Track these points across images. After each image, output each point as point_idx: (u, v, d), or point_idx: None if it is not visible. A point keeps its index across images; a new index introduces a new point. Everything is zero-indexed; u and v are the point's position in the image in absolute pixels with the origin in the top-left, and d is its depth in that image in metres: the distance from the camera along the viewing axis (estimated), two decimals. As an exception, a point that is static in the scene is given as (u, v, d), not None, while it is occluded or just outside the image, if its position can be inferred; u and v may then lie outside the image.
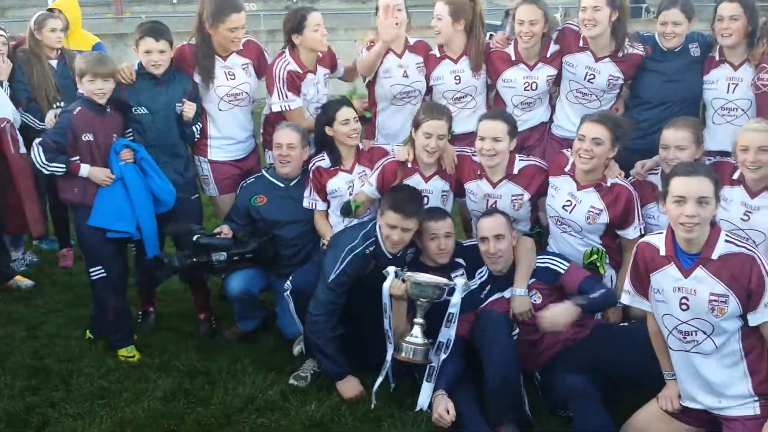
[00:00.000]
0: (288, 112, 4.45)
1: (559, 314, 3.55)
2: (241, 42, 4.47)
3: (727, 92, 4.14)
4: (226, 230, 4.27)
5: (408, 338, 3.68)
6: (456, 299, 3.66)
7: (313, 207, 4.35)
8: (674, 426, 3.26)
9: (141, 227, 4.17)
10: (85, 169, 4.05)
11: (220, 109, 4.52)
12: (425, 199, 4.12)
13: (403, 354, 3.69)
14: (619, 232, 3.93)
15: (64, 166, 4.01)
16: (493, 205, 4.08)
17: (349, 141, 4.24)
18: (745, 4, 4.02)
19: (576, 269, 3.77)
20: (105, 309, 4.23)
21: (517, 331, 3.72)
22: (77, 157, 4.05)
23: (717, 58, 4.21)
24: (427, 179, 4.16)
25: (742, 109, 4.10)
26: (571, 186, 3.95)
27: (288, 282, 4.05)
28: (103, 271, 4.16)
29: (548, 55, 4.47)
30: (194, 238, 4.13)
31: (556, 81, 4.56)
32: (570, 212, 3.95)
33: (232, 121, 4.57)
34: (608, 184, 3.87)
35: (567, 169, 3.96)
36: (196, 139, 4.49)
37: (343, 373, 3.84)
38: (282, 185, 4.40)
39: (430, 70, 4.57)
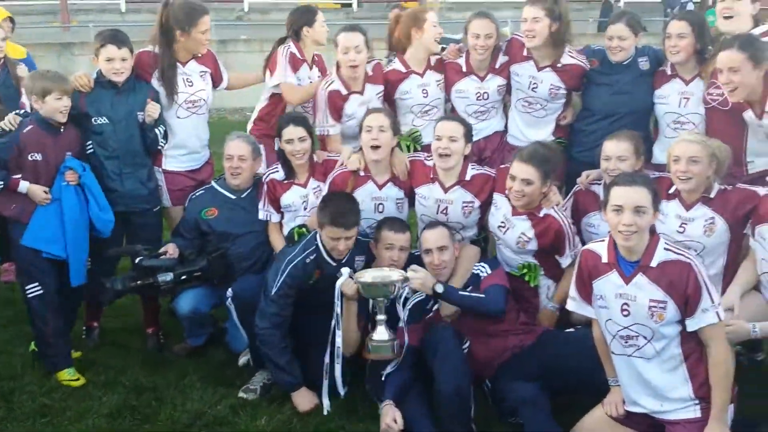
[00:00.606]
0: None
1: (446, 306, 3.67)
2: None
3: (679, 106, 4.23)
4: (171, 249, 4.18)
5: (374, 336, 3.68)
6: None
7: (268, 219, 4.32)
8: (619, 431, 3.31)
9: (69, 253, 4.05)
10: (24, 186, 3.95)
11: (178, 117, 4.48)
12: (380, 206, 4.15)
13: (371, 353, 3.69)
14: (557, 258, 3.99)
15: (2, 182, 3.91)
16: (444, 211, 4.13)
17: (294, 160, 4.23)
18: (694, 23, 4.11)
19: (494, 276, 3.81)
20: (42, 328, 4.09)
21: (467, 343, 3.74)
22: (19, 175, 3.95)
23: (669, 73, 4.30)
24: (381, 186, 4.19)
25: (694, 123, 4.19)
26: (507, 208, 4.01)
27: (229, 290, 4.01)
28: (39, 288, 4.04)
29: (497, 66, 4.59)
30: (137, 260, 4.05)
31: (508, 91, 4.67)
32: (503, 233, 4.03)
33: (190, 129, 4.54)
34: (541, 215, 3.93)
35: (507, 192, 4.00)
36: (161, 147, 4.39)
37: (298, 384, 3.82)
38: (233, 197, 4.35)
39: (395, 88, 4.61)
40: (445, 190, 4.14)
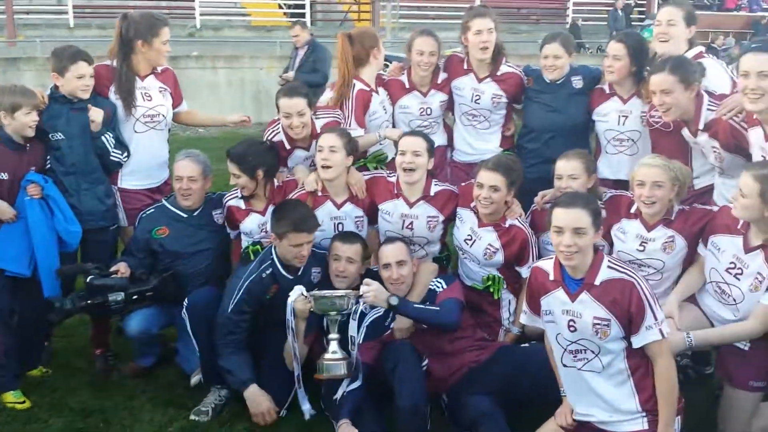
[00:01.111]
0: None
1: (399, 320, 3.69)
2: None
3: (618, 124, 4.36)
4: (122, 268, 4.10)
5: (326, 356, 3.67)
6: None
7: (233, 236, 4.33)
8: (570, 443, 3.36)
9: (39, 266, 3.96)
10: None
11: (135, 131, 4.40)
12: (340, 225, 4.16)
13: (324, 373, 3.68)
14: (516, 268, 4.08)
15: None
16: (410, 226, 4.17)
17: (241, 192, 4.24)
18: (630, 45, 4.24)
19: (450, 290, 3.85)
20: None
21: (426, 362, 3.76)
22: None
23: (607, 92, 4.43)
24: (339, 206, 4.19)
25: (633, 140, 4.33)
26: (473, 221, 4.10)
27: (186, 299, 3.96)
28: None
29: (439, 82, 4.71)
30: (88, 279, 3.96)
31: (449, 107, 4.78)
32: (470, 246, 4.09)
33: (147, 145, 4.45)
34: (506, 225, 4.02)
35: (473, 204, 4.08)
36: (118, 159, 4.31)
37: (248, 379, 3.78)
38: (184, 215, 4.29)
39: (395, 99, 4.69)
40: (410, 205, 4.18)
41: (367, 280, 3.69)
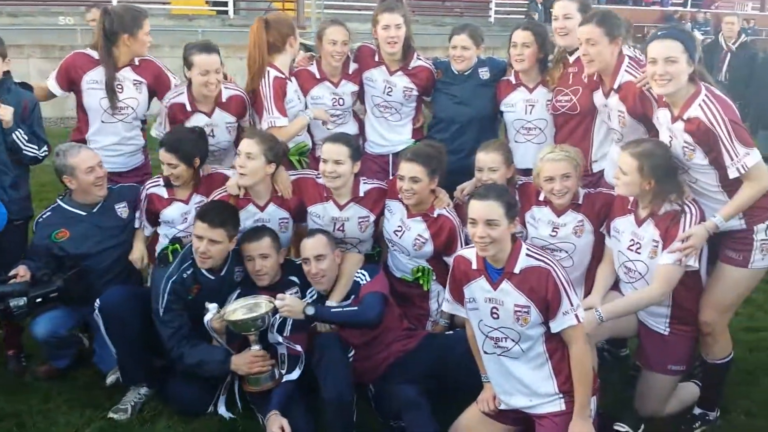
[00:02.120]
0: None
1: (292, 305, 3.63)
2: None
3: (525, 113, 4.45)
4: (22, 271, 3.88)
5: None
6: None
7: (141, 227, 4.20)
8: (493, 427, 3.43)
9: None
10: None
11: (102, 121, 4.35)
12: None
13: (253, 386, 3.68)
14: (444, 258, 4.08)
15: None
16: (341, 228, 4.14)
17: (173, 180, 4.13)
18: (536, 33, 4.34)
19: (373, 283, 3.84)
20: None
21: (353, 352, 3.76)
22: None
23: (513, 82, 4.52)
24: (262, 208, 4.12)
25: (540, 128, 4.43)
26: (402, 213, 4.11)
27: (97, 301, 3.82)
28: None
29: (350, 72, 4.70)
30: None
31: (361, 98, 4.79)
32: (400, 237, 4.10)
33: (114, 134, 4.40)
34: (435, 215, 4.04)
35: (400, 195, 4.07)
36: (32, 154, 4.11)
37: (226, 355, 3.71)
38: (83, 213, 4.11)
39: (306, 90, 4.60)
40: (341, 207, 4.15)
41: (280, 295, 3.66)
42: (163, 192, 4.17)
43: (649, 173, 3.38)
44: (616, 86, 3.83)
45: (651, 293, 3.46)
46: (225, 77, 4.44)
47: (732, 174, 3.34)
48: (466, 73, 4.60)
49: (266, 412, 3.58)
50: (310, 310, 3.61)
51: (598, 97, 4.02)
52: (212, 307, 3.69)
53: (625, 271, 3.64)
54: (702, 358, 3.79)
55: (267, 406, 3.59)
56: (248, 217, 4.08)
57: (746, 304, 5.08)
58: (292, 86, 4.51)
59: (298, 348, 3.70)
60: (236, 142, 4.36)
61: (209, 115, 4.38)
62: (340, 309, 3.73)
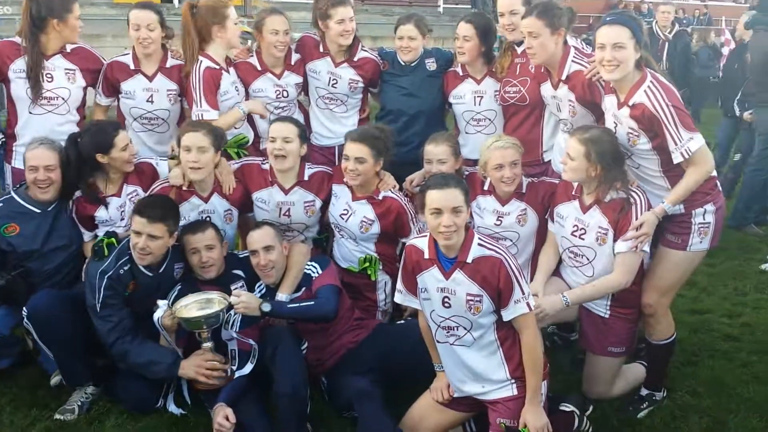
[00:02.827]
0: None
1: (248, 302, 3.60)
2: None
3: (475, 105, 4.47)
4: None
5: None
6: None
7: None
8: (446, 414, 3.46)
9: None
10: None
11: (30, 112, 4.18)
12: (207, 219, 4.01)
13: (202, 384, 3.62)
14: (402, 240, 4.08)
15: None
16: (287, 213, 4.11)
17: (127, 167, 4.01)
18: (478, 26, 4.34)
19: (326, 276, 3.83)
20: None
21: (306, 344, 3.74)
22: None
23: (461, 74, 4.53)
24: (206, 199, 4.05)
25: (489, 119, 4.46)
26: (348, 196, 4.10)
27: (25, 308, 3.69)
28: None
29: (293, 63, 4.61)
30: None
31: (305, 89, 4.72)
32: (346, 221, 4.08)
33: (44, 126, 4.18)
34: (380, 197, 4.04)
35: (345, 179, 4.07)
36: None
37: (176, 358, 3.64)
38: (38, 210, 3.95)
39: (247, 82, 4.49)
40: (285, 192, 4.11)
41: (236, 291, 3.63)
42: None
43: (596, 159, 3.43)
44: (564, 77, 3.87)
45: (615, 280, 3.54)
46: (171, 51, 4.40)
47: (676, 159, 3.41)
48: (413, 65, 4.58)
49: (213, 404, 3.53)
50: (267, 307, 3.58)
51: (546, 89, 4.05)
52: (162, 303, 3.62)
53: (571, 256, 3.70)
54: (646, 341, 3.89)
55: (216, 400, 3.54)
56: (192, 209, 4.00)
57: (690, 287, 5.26)
58: (229, 77, 4.40)
59: (251, 342, 3.66)
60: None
61: (151, 78, 4.31)
62: (296, 305, 3.70)
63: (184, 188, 4.00)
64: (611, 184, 3.51)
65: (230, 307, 3.59)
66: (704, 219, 3.58)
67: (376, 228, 4.04)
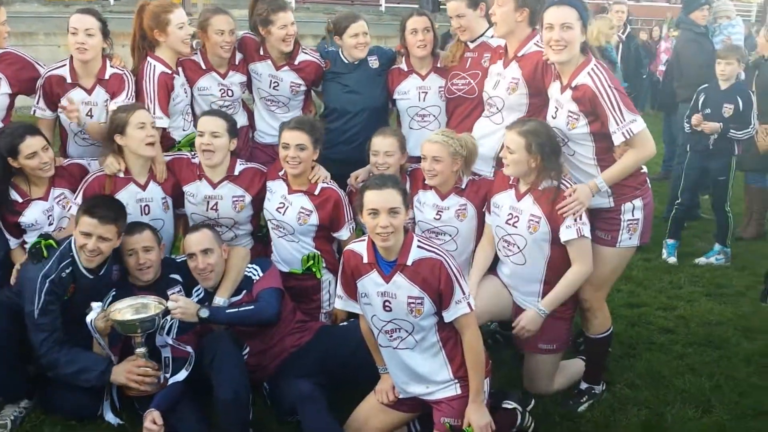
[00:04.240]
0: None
1: (185, 307, 3.54)
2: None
3: (419, 100, 4.48)
4: None
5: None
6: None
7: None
8: (391, 415, 3.46)
9: None
10: None
11: None
12: (146, 208, 3.96)
13: (133, 390, 3.53)
14: (335, 234, 4.08)
15: None
16: (214, 207, 4.06)
17: (40, 174, 3.86)
18: (432, 19, 4.42)
19: (267, 278, 3.80)
20: None
21: (247, 349, 3.68)
22: None
23: (405, 70, 4.53)
24: (143, 187, 3.99)
25: (434, 115, 4.47)
26: (284, 189, 4.06)
27: None
28: None
29: (237, 63, 4.57)
30: None
31: (249, 87, 4.67)
32: (283, 214, 4.04)
33: None
34: (317, 192, 4.01)
35: (281, 173, 4.06)
36: None
37: (108, 364, 3.53)
38: None
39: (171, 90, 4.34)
40: (214, 185, 4.06)
41: (173, 296, 3.56)
42: (15, 196, 3.89)
43: (536, 150, 3.47)
44: (520, 54, 3.90)
45: (578, 271, 3.59)
46: (110, 58, 4.22)
47: (617, 139, 3.47)
48: (356, 63, 4.56)
49: (147, 409, 3.44)
50: (204, 313, 3.52)
51: (495, 68, 4.06)
52: (96, 305, 3.51)
53: (504, 245, 3.73)
54: (584, 335, 3.96)
55: (148, 405, 3.45)
56: (131, 197, 3.94)
57: (626, 281, 5.39)
58: (180, 80, 4.35)
59: (188, 349, 3.59)
60: None
61: (89, 92, 4.17)
62: (235, 310, 3.64)
63: (121, 175, 3.93)
64: (548, 174, 3.54)
65: (167, 312, 3.51)
66: (633, 215, 3.66)
67: (314, 219, 4.01)
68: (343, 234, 4.06)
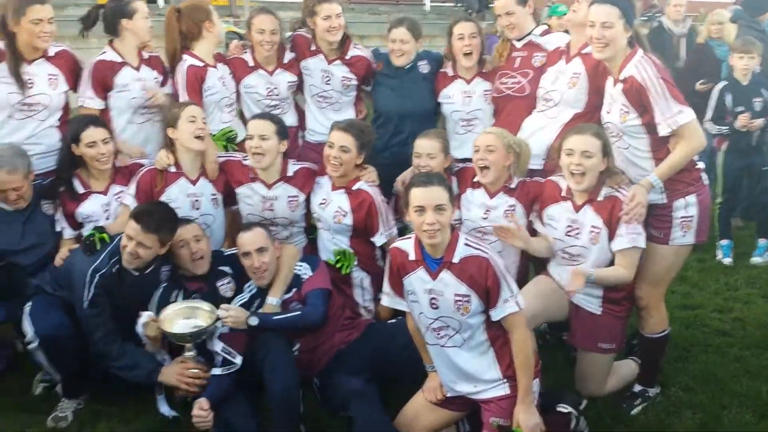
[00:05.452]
0: None
1: (236, 316, 3.58)
2: (48, 42, 4.10)
3: (464, 105, 4.48)
4: None
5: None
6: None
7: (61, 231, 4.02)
8: (439, 414, 3.44)
9: None
10: None
11: (9, 117, 4.10)
12: (196, 203, 4.05)
13: (181, 390, 3.60)
14: (372, 240, 4.08)
15: None
16: (270, 207, 4.12)
17: (97, 165, 3.97)
18: (478, 23, 4.44)
19: (316, 278, 3.82)
20: None
21: (297, 346, 3.72)
22: None
23: (450, 74, 4.53)
24: (194, 182, 4.08)
25: (479, 119, 4.47)
26: (328, 186, 4.12)
27: (31, 333, 3.62)
28: None
29: (285, 62, 4.64)
30: None
31: (300, 87, 4.73)
32: (324, 209, 4.10)
33: (22, 133, 4.11)
34: (355, 188, 4.04)
35: (327, 166, 4.09)
36: None
37: (156, 365, 3.61)
38: (10, 209, 3.93)
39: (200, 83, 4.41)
40: (269, 187, 4.12)
41: (224, 306, 3.61)
42: (78, 186, 4.03)
43: (607, 150, 3.49)
44: (584, 51, 3.88)
45: (622, 275, 3.56)
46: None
47: (663, 131, 3.43)
48: (406, 67, 4.57)
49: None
50: (254, 321, 3.56)
51: (556, 67, 4.05)
52: (146, 314, 3.60)
53: (566, 257, 3.70)
54: (639, 334, 3.89)
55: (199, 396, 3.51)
56: (181, 191, 4.03)
57: (681, 282, 5.27)
58: (216, 73, 4.43)
59: (236, 360, 3.57)
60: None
61: (137, 69, 4.32)
62: (283, 316, 3.66)
63: (172, 169, 4.03)
64: (608, 177, 3.53)
65: (217, 319, 3.56)
66: (686, 212, 3.59)
67: (348, 220, 4.03)
68: (378, 240, 4.07)
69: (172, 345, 3.71)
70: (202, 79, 4.34)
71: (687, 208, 3.59)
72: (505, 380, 3.25)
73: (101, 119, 4.12)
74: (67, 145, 3.96)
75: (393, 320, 3.99)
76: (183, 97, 4.28)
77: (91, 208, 4.00)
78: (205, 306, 3.62)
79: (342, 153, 3.94)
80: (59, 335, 3.58)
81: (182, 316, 3.58)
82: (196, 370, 3.59)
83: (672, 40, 7.52)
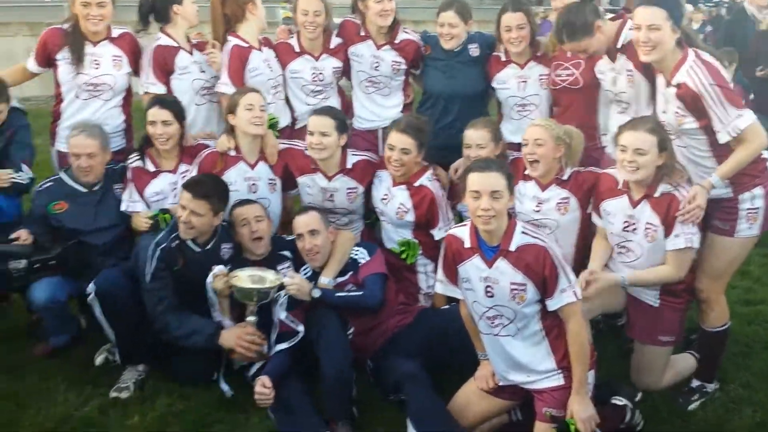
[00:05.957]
0: None
1: (301, 285, 3.67)
2: (98, 25, 4.25)
3: (518, 90, 4.42)
4: (24, 235, 3.89)
5: None
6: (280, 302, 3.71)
7: (128, 211, 4.13)
8: (491, 402, 3.44)
9: None
10: None
11: (77, 97, 4.30)
12: (254, 186, 4.12)
13: (238, 355, 3.67)
14: (431, 232, 4.09)
15: None
16: (330, 198, 4.17)
17: (157, 144, 4.10)
18: (527, 12, 4.33)
19: (373, 263, 3.86)
20: None
21: (351, 329, 3.75)
22: None
23: (503, 59, 4.47)
24: (253, 166, 4.16)
25: (534, 104, 4.41)
26: (389, 181, 4.13)
27: (91, 284, 3.76)
28: None
29: (332, 47, 4.64)
30: None
31: (346, 73, 4.73)
32: (386, 205, 4.12)
33: (90, 113, 4.30)
34: (417, 184, 4.05)
35: (388, 166, 4.09)
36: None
37: (216, 328, 3.70)
38: (84, 190, 4.09)
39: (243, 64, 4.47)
40: (329, 178, 4.16)
41: (290, 273, 3.70)
42: (148, 165, 4.16)
43: (664, 145, 3.40)
44: (619, 45, 3.80)
45: (667, 273, 3.51)
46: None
47: (723, 138, 3.34)
48: (456, 50, 4.53)
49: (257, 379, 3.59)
50: (317, 293, 3.64)
51: (602, 63, 3.97)
52: (218, 268, 3.71)
53: (621, 252, 3.64)
54: (699, 329, 3.81)
55: (259, 373, 3.60)
56: (239, 174, 4.11)
57: (743, 277, 5.13)
58: (261, 55, 4.48)
59: (299, 328, 3.68)
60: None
61: (190, 52, 4.44)
62: (345, 293, 3.75)
63: (232, 153, 4.11)
64: (666, 172, 3.44)
65: (282, 287, 3.64)
66: (753, 204, 3.50)
67: (410, 217, 4.06)
68: (437, 234, 4.06)
69: (235, 312, 3.79)
70: (245, 59, 4.39)
71: (753, 200, 3.50)
72: (559, 371, 3.22)
73: (174, 101, 4.21)
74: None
75: (446, 306, 4.00)
76: (224, 76, 4.36)
77: (160, 185, 4.13)
78: (271, 275, 3.71)
79: (403, 155, 3.96)
80: (116, 291, 3.70)
81: (250, 281, 3.68)
82: (255, 337, 3.66)
83: (755, 26, 7.18)
